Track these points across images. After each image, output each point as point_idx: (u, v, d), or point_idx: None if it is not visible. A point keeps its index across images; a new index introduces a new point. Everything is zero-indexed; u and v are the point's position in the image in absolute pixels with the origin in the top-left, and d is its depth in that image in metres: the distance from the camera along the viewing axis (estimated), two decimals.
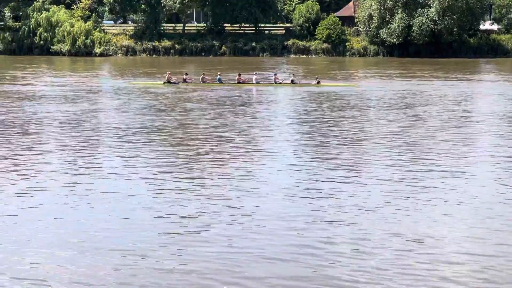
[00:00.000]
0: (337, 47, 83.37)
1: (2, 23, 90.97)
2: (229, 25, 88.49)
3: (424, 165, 19.07)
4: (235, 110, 31.62)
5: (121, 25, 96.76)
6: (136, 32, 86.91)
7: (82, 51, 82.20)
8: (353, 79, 52.01)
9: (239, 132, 25.03)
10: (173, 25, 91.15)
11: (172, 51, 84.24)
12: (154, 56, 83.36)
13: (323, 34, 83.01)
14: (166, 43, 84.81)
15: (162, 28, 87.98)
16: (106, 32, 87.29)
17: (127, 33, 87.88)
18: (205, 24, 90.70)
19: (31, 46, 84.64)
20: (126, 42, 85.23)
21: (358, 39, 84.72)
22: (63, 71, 59.90)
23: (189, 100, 36.08)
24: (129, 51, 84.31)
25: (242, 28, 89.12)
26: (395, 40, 79.46)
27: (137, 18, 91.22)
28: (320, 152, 21.24)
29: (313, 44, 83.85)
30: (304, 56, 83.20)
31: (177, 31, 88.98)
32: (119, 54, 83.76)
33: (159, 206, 14.79)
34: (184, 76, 45.33)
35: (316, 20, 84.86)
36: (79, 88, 42.33)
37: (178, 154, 20.73)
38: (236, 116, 29.22)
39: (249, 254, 11.83)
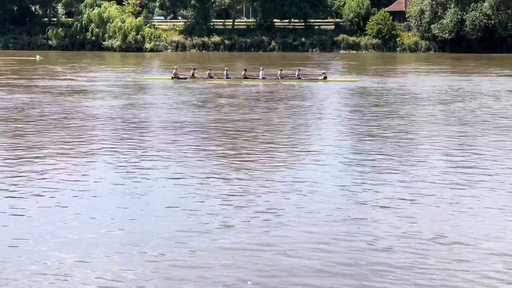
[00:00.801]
0: (387, 42, 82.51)
1: (55, 19, 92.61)
2: (278, 20, 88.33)
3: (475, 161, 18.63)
4: (268, 105, 31.47)
5: (171, 20, 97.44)
6: (186, 28, 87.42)
7: (133, 47, 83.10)
8: (399, 74, 51.35)
9: (275, 127, 24.85)
10: (222, 20, 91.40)
11: (221, 46, 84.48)
12: (203, 51, 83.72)
13: (373, 29, 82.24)
14: (216, 38, 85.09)
15: (211, 23, 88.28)
16: (157, 28, 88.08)
17: (177, 28, 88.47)
18: (254, 20, 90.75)
19: (83, 42, 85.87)
20: (176, 37, 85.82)
21: (409, 34, 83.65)
22: (109, 67, 60.52)
23: (232, 96, 36.02)
24: (179, 47, 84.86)
25: (291, 24, 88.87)
26: (447, 35, 78.27)
27: (187, 14, 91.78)
28: (360, 147, 20.92)
29: (363, 40, 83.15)
30: (353, 51, 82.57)
31: (227, 27, 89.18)
32: (169, 50, 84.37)
33: (208, 197, 14.74)
34: (192, 71, 45.37)
35: (367, 15, 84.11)
36: (114, 84, 42.63)
37: (221, 148, 20.65)
38: (272, 112, 29.07)
39: (295, 251, 11.68)
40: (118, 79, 46.13)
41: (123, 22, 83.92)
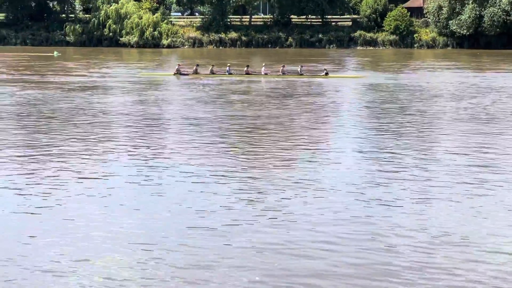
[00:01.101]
0: (405, 38, 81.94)
1: (72, 15, 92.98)
2: (295, 16, 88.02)
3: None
4: (281, 102, 31.43)
5: (188, 17, 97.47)
6: (203, 24, 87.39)
7: (150, 43, 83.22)
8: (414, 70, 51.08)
9: (285, 124, 24.80)
10: (239, 16, 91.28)
11: (238, 43, 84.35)
12: (220, 48, 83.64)
13: (391, 25, 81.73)
14: (233, 34, 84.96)
15: (228, 20, 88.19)
16: (174, 24, 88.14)
17: (194, 25, 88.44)
18: (271, 16, 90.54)
19: (100, 38, 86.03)
20: (193, 34, 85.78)
21: (427, 30, 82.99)
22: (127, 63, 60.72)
23: (247, 92, 36.02)
24: (196, 43, 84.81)
25: (308, 20, 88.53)
26: (465, 31, 77.63)
27: (204, 10, 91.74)
28: (371, 144, 20.81)
29: (381, 36, 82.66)
30: (371, 48, 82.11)
31: (244, 23, 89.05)
32: (186, 46, 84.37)
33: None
34: (195, 67, 45.71)
35: (384, 12, 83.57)
36: (125, 80, 42.79)
37: (236, 145, 20.64)
38: (286, 108, 29.02)
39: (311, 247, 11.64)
40: (130, 75, 46.26)
41: (140, 18, 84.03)
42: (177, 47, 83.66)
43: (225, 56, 68.01)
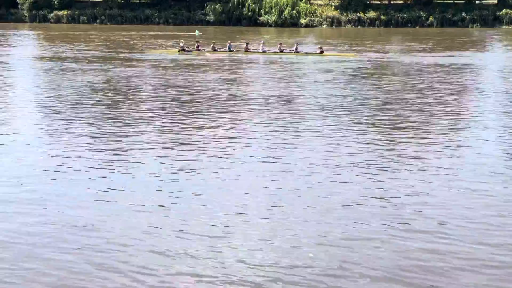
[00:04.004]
0: None
1: None
2: None
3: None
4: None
5: None
6: (341, 3, 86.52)
7: (288, 22, 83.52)
8: None
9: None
10: None
11: (377, 22, 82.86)
12: (359, 27, 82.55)
13: None
14: (372, 14, 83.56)
15: None
16: (312, 3, 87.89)
17: (333, 4, 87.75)
18: None
19: (239, 17, 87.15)
20: (331, 13, 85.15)
21: None
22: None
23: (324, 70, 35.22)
24: (334, 22, 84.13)
25: None
26: None
27: None
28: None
29: None
30: None
31: (383, 2, 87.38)
32: (324, 25, 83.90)
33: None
34: (197, 44, 47.83)
35: None
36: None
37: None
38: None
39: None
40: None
41: None
42: (315, 26, 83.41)
43: (363, 36, 67.01)
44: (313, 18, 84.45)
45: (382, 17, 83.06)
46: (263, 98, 26.37)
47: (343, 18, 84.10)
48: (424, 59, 42.29)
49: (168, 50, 49.54)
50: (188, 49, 47.80)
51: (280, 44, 47.23)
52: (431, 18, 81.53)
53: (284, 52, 45.65)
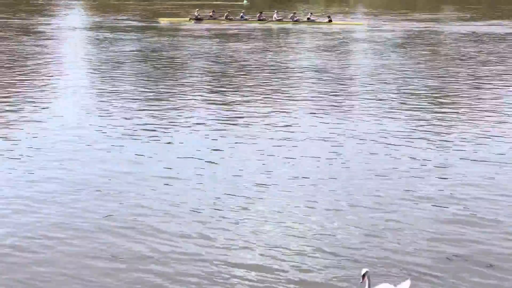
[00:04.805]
0: None
1: None
2: None
3: None
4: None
5: None
6: None
7: None
8: None
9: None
10: None
11: None
12: None
13: None
14: None
15: None
16: None
17: None
18: None
19: None
20: None
21: None
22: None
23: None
24: None
25: None
26: None
27: None
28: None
29: None
30: None
31: None
32: None
33: None
34: (211, 12, 49.52)
35: None
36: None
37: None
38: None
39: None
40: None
41: None
42: None
43: (414, 2, 65.69)
44: None
45: None
46: (306, 71, 26.24)
47: None
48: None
49: (179, 19, 49.82)
50: (200, 18, 48.39)
51: (294, 13, 49.08)
52: None
53: (297, 21, 47.08)
